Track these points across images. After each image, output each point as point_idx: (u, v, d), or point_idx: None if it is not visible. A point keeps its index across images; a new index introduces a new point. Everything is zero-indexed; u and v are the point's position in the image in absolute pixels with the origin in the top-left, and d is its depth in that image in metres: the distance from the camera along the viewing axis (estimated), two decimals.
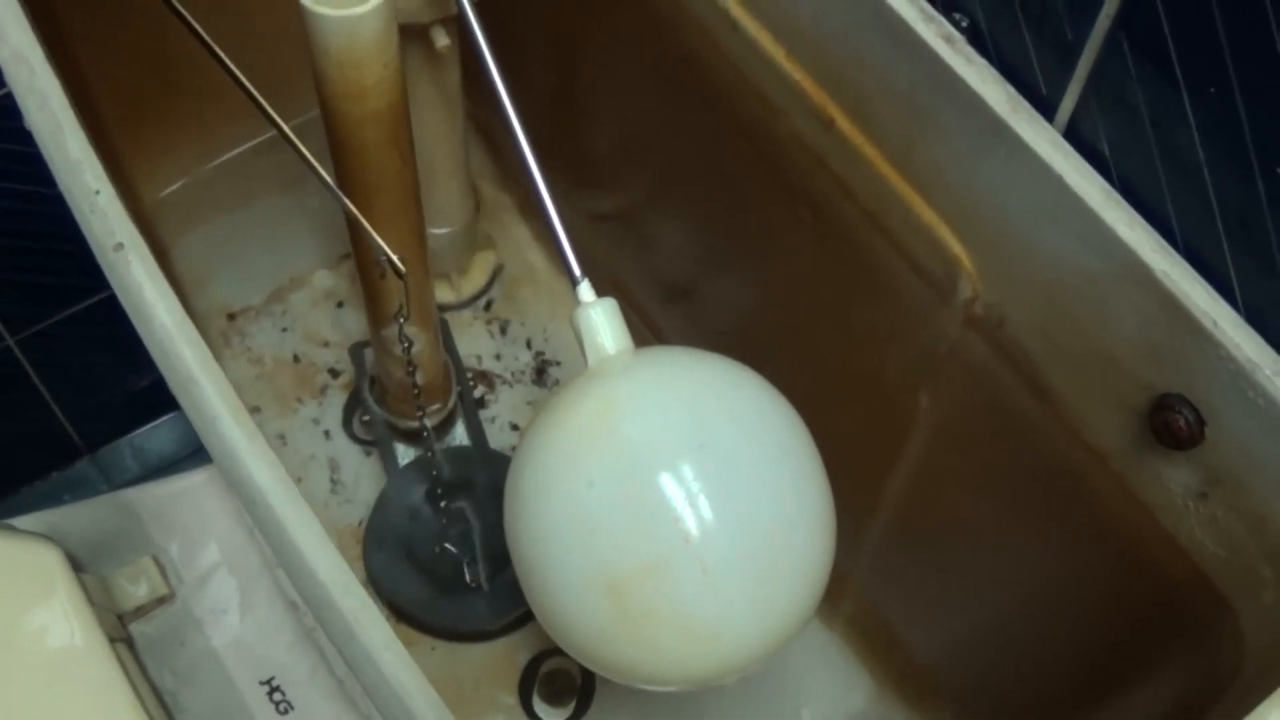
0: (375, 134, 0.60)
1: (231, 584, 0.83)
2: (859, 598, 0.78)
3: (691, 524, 0.51)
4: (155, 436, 1.11)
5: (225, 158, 0.89)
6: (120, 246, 0.46)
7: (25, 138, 0.81)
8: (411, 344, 0.64)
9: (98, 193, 0.47)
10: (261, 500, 0.42)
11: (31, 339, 0.96)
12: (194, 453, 1.09)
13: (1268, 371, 0.46)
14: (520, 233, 0.93)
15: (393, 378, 0.77)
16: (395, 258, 0.58)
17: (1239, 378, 0.46)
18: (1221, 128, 0.45)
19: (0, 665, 0.70)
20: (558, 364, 0.89)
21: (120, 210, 0.47)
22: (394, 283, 0.63)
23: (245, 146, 0.89)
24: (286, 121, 0.57)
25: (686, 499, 0.51)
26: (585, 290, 0.56)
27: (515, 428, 0.87)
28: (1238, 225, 0.47)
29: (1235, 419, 0.48)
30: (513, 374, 0.89)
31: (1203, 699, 0.52)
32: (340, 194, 0.58)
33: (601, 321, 0.55)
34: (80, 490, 1.08)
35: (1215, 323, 0.46)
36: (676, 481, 0.51)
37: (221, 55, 0.54)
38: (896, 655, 0.79)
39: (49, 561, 0.73)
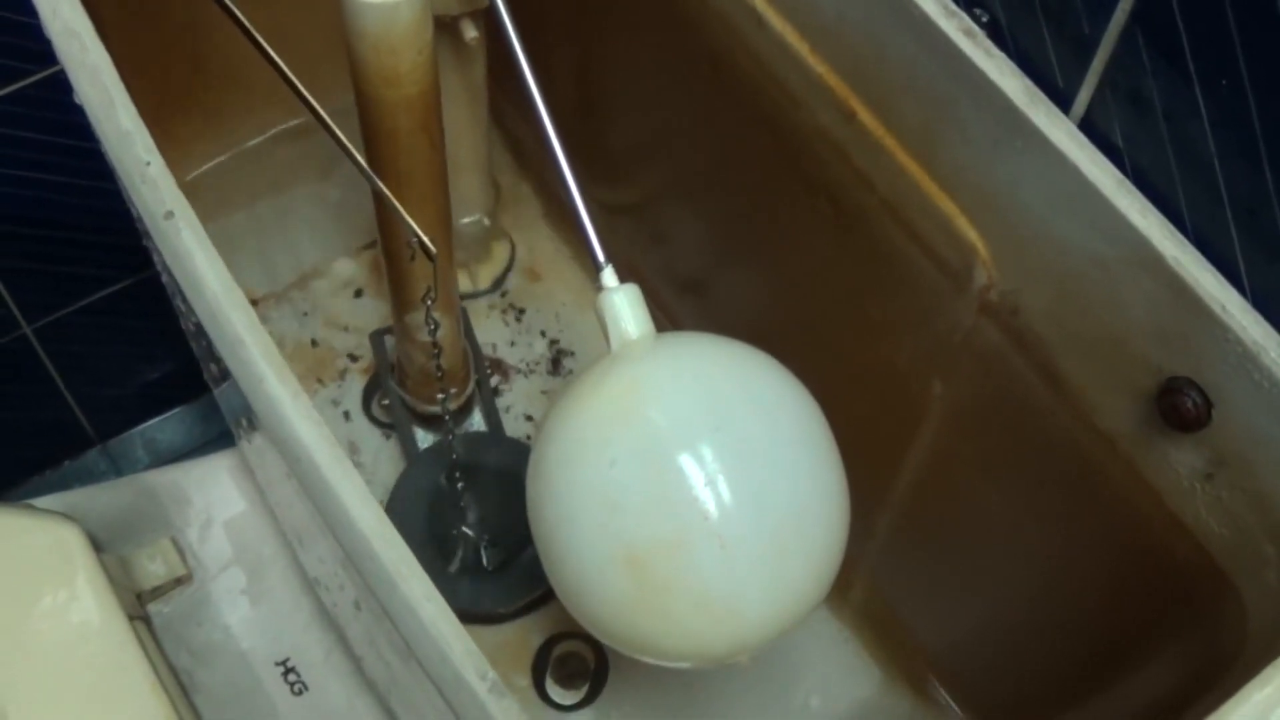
0: (408, 120, 0.62)
1: (248, 566, 0.84)
2: (868, 587, 0.79)
3: (710, 503, 0.52)
4: (166, 428, 1.12)
5: (248, 146, 0.91)
6: (171, 215, 0.48)
7: (48, 128, 0.83)
8: (438, 326, 0.65)
9: (148, 163, 0.49)
10: (306, 456, 0.44)
11: (48, 328, 0.97)
12: (204, 445, 1.10)
13: (1273, 355, 0.47)
14: (538, 225, 0.95)
15: (414, 363, 0.78)
16: (426, 239, 0.59)
17: (1245, 361, 0.48)
18: (1232, 120, 0.47)
19: (21, 641, 0.71)
20: (572, 354, 0.91)
21: (170, 180, 0.48)
22: (422, 266, 0.65)
23: (268, 135, 0.91)
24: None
25: (706, 479, 0.52)
26: (609, 276, 0.58)
27: (530, 418, 0.89)
28: (1246, 214, 0.48)
29: (1241, 401, 0.49)
30: (528, 364, 0.90)
31: (1206, 676, 0.53)
32: (374, 176, 0.60)
33: (625, 306, 0.57)
34: (90, 480, 1.08)
35: (1223, 307, 0.48)
36: (696, 462, 0.53)
37: (261, 41, 0.55)
38: (904, 644, 0.80)
39: (70, 540, 0.74)
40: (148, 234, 0.57)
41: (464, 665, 0.41)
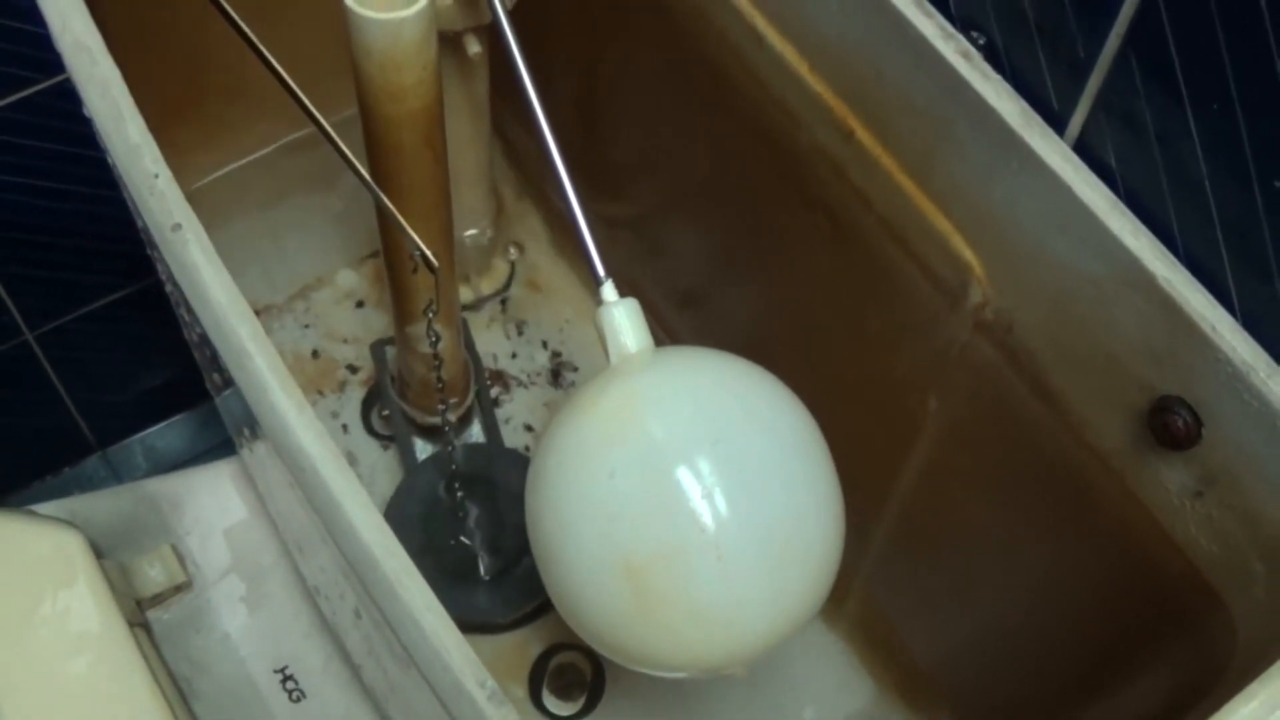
0: (411, 134, 0.63)
1: (248, 574, 0.85)
2: (863, 599, 0.80)
3: (707, 515, 0.53)
4: (166, 436, 1.12)
5: (251, 158, 0.91)
6: (178, 227, 0.48)
7: (53, 136, 0.84)
8: (439, 338, 0.66)
9: (156, 176, 0.49)
10: (310, 466, 0.44)
11: (49, 334, 0.97)
12: (203, 453, 1.10)
13: (1262, 374, 0.48)
14: (538, 238, 0.95)
15: (414, 374, 0.79)
16: (429, 252, 0.60)
17: (1235, 380, 0.49)
18: (1223, 143, 0.48)
19: (21, 646, 0.71)
20: (573, 367, 0.91)
21: (177, 192, 0.49)
22: (424, 279, 0.66)
23: (271, 148, 0.91)
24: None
25: (703, 491, 0.53)
26: (609, 290, 0.59)
27: (530, 429, 0.89)
28: (1236, 235, 0.49)
29: (1230, 420, 0.50)
30: (528, 375, 0.91)
31: (1195, 689, 0.54)
32: (377, 189, 0.60)
33: (624, 321, 0.58)
34: (90, 487, 1.09)
35: (1213, 327, 0.49)
36: (694, 474, 0.53)
37: (266, 54, 0.56)
38: (898, 657, 0.81)
39: (71, 546, 0.75)
40: (153, 244, 0.57)
41: (464, 674, 0.42)
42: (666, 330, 0.84)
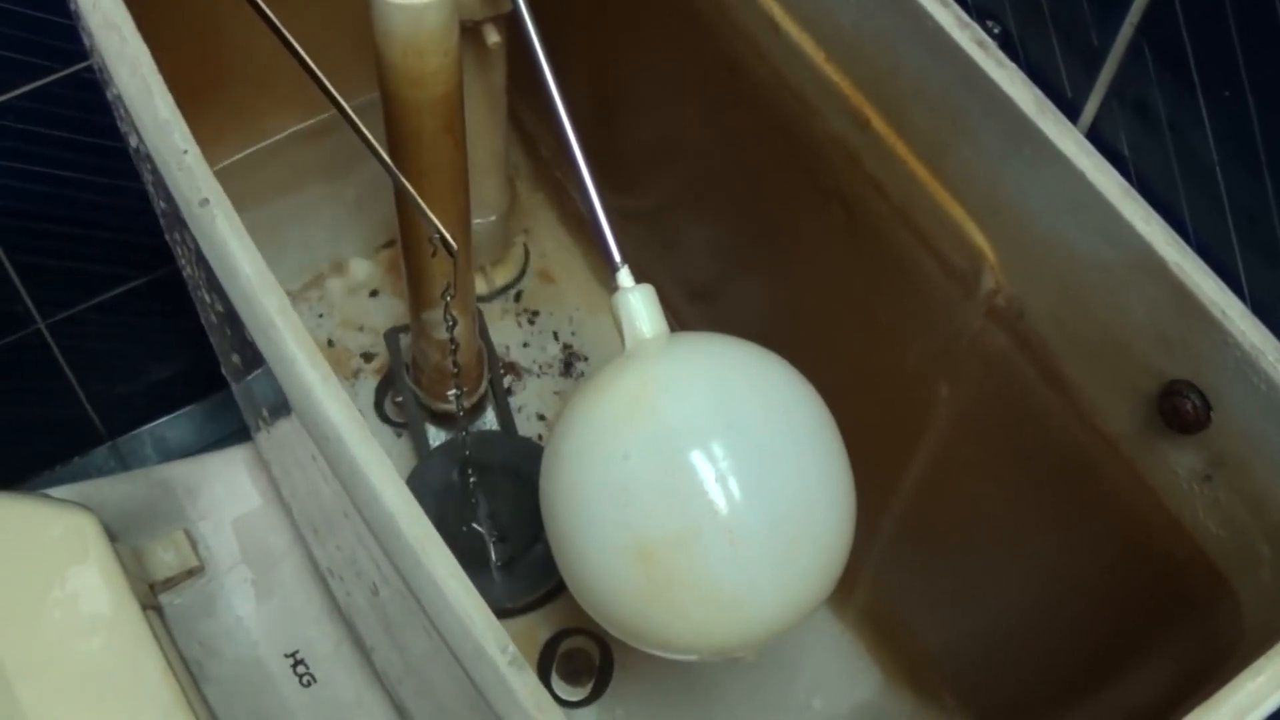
0: (432, 120, 0.63)
1: (260, 559, 0.85)
2: (871, 588, 0.80)
3: (721, 498, 0.54)
4: (175, 427, 1.13)
5: (266, 143, 0.91)
6: (206, 202, 0.49)
7: (69, 125, 0.85)
8: (455, 323, 0.66)
9: (185, 152, 0.50)
10: (335, 436, 0.45)
11: (62, 324, 0.98)
12: (213, 444, 1.11)
13: (1271, 359, 0.49)
14: (552, 229, 0.96)
15: (429, 360, 0.80)
16: (448, 235, 0.60)
17: (1244, 364, 0.49)
18: (1234, 130, 0.49)
19: (35, 627, 0.72)
20: (584, 358, 0.92)
21: (206, 168, 0.50)
22: (441, 263, 0.66)
23: (283, 135, 0.92)
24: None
25: (717, 475, 0.54)
26: (625, 276, 0.59)
27: (542, 418, 0.90)
28: (1247, 221, 0.50)
29: (1239, 404, 0.50)
30: (540, 365, 0.92)
31: (1203, 673, 0.54)
32: (397, 172, 0.61)
33: (640, 306, 0.58)
34: (98, 477, 1.09)
35: (1223, 312, 0.49)
36: (707, 457, 0.54)
37: (292, 40, 0.56)
38: (905, 646, 0.81)
39: (84, 528, 0.75)
40: (176, 226, 0.58)
41: (486, 639, 0.42)
42: (679, 320, 0.85)
